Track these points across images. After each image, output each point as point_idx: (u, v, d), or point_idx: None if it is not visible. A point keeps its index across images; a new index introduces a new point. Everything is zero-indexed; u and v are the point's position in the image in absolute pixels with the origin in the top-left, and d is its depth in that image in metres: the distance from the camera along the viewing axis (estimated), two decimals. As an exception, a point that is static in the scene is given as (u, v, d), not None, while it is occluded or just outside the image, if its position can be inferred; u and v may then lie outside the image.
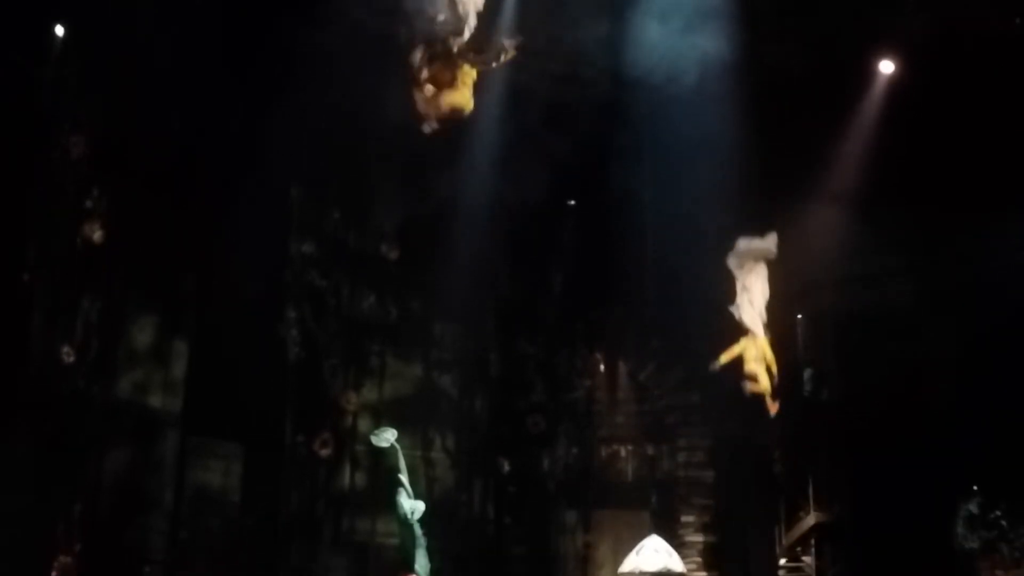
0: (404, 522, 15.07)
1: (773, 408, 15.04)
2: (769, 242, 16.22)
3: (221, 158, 18.60)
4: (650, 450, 22.47)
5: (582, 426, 22.11)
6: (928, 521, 19.41)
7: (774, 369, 14.76)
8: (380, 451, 16.46)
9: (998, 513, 19.97)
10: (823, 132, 19.63)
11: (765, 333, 15.14)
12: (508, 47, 12.23)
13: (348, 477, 20.07)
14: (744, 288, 15.68)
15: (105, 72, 17.46)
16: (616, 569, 22.13)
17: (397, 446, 15.48)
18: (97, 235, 17.31)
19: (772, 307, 16.10)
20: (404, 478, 15.29)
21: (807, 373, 21.37)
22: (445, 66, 11.94)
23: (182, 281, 19.62)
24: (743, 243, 15.99)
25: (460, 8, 12.14)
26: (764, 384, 14.78)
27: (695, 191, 19.41)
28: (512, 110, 19.26)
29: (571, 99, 20.12)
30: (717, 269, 18.97)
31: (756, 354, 14.72)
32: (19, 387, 16.84)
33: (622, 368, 22.62)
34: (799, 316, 21.05)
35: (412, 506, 15.09)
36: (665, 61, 18.30)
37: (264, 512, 20.05)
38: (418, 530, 15.02)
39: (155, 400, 18.94)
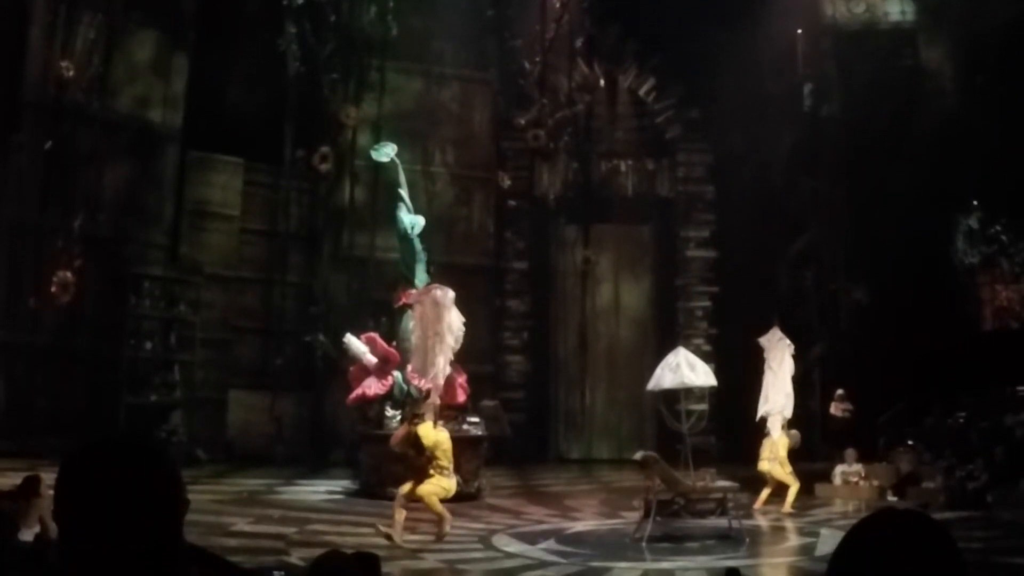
0: (404, 237, 15.28)
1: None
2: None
3: None
4: (650, 165, 22.53)
5: (581, 141, 22.10)
6: (928, 236, 19.55)
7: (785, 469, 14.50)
8: (380, 166, 16.61)
9: (998, 228, 20.13)
10: None
11: (784, 428, 14.71)
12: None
13: (348, 192, 20.19)
14: (770, 368, 15.36)
15: None
16: (616, 285, 22.48)
17: (397, 161, 15.59)
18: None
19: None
20: (404, 193, 15.45)
21: (807, 88, 21.23)
22: None
23: (182, -4, 19.54)
24: (776, 333, 15.59)
25: None
26: (782, 476, 14.57)
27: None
28: None
29: None
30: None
31: (770, 454, 14.47)
32: (18, 102, 16.87)
33: (622, 83, 22.51)
34: (799, 31, 20.82)
35: (412, 220, 15.28)
36: None
37: (263, 227, 20.30)
38: (418, 245, 15.22)
39: (155, 115, 18.97)
